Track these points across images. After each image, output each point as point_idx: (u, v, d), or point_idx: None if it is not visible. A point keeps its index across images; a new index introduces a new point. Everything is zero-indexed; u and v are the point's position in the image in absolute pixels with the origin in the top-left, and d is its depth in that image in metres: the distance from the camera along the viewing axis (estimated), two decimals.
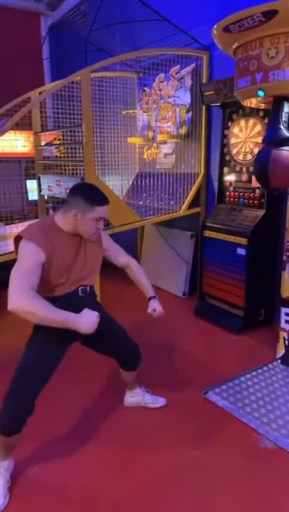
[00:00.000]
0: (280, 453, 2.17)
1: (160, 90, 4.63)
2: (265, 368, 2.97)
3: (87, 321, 1.73)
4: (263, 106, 2.90)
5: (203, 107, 4.11)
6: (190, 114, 4.30)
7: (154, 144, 4.86)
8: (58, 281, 1.90)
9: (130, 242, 5.24)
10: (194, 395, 2.68)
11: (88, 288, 2.03)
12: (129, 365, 2.40)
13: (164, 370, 3.02)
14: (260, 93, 2.23)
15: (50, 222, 1.89)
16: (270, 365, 3.01)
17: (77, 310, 1.79)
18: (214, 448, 2.22)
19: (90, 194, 1.86)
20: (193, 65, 4.19)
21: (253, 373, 2.90)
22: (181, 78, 4.32)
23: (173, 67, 4.37)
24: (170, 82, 4.47)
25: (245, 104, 2.75)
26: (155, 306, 2.20)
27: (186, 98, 4.30)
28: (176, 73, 4.37)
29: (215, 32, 2.32)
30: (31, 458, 2.15)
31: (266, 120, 3.39)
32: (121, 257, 2.25)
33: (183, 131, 4.39)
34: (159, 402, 2.58)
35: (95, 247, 2.03)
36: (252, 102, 2.74)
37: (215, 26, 2.29)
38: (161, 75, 4.56)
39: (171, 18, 4.11)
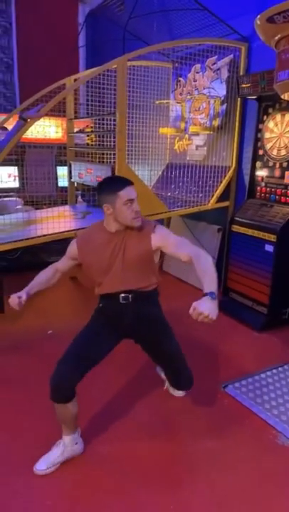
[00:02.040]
0: None
1: (195, 81, 4.58)
2: (286, 367, 2.94)
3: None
4: None
5: (239, 99, 4.05)
6: (224, 106, 4.23)
7: (186, 135, 4.82)
8: (98, 279, 2.06)
9: None
10: (214, 388, 2.69)
11: (130, 296, 2.02)
12: (174, 384, 2.41)
13: None
14: None
15: (99, 223, 2.08)
16: None
17: (117, 316, 2.05)
18: (231, 441, 2.23)
19: (107, 186, 1.96)
20: (231, 56, 4.11)
21: (274, 371, 2.88)
22: (218, 69, 4.26)
23: (210, 57, 4.30)
24: (206, 73, 4.41)
25: (283, 98, 2.69)
26: (196, 305, 1.64)
27: (221, 90, 4.24)
28: (213, 64, 4.30)
29: (258, 22, 2.27)
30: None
31: None
32: (180, 253, 1.93)
33: (216, 123, 4.33)
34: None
35: (139, 248, 1.97)
36: None
37: (258, 16, 2.24)
38: (198, 66, 4.50)
39: (210, 7, 4.04)
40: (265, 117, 3.72)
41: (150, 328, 2.13)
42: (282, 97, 2.61)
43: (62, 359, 1.94)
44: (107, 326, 2.09)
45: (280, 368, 2.92)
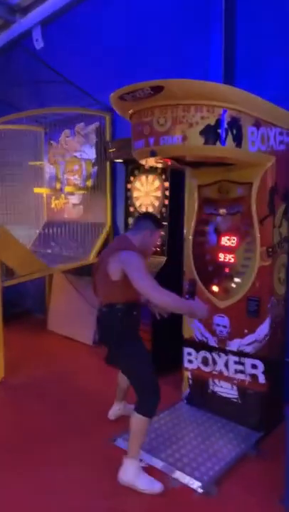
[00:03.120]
0: (186, 492, 2.23)
1: (66, 145, 4.85)
2: (171, 409, 3.07)
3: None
4: (159, 165, 3.21)
5: (108, 162, 4.39)
6: (96, 168, 4.55)
7: (62, 194, 4.99)
8: None
9: (38, 291, 5.14)
10: (103, 443, 2.66)
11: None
12: None
13: (74, 420, 2.97)
14: (153, 154, 2.49)
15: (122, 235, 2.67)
16: (176, 406, 3.11)
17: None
18: (125, 496, 2.22)
19: (157, 221, 2.64)
20: (97, 123, 4.50)
21: (161, 415, 2.97)
22: (86, 135, 4.60)
23: (78, 124, 4.63)
24: (76, 138, 4.72)
25: (142, 163, 3.03)
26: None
27: (91, 153, 4.56)
28: (81, 130, 4.63)
29: (112, 99, 2.58)
30: None
31: (163, 176, 3.73)
32: None
33: (90, 183, 4.61)
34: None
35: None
36: (150, 161, 3.02)
37: (112, 94, 2.54)
38: (67, 131, 4.80)
39: (78, 79, 4.40)
40: (132, 178, 4.09)
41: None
42: (140, 162, 2.93)
43: (156, 379, 2.46)
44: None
45: (166, 412, 3.03)
